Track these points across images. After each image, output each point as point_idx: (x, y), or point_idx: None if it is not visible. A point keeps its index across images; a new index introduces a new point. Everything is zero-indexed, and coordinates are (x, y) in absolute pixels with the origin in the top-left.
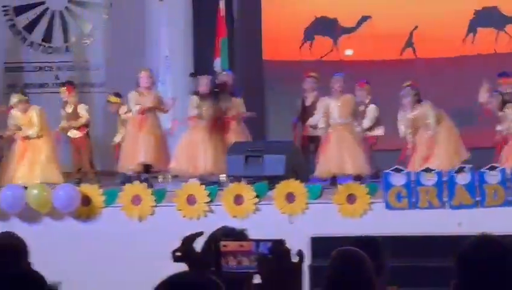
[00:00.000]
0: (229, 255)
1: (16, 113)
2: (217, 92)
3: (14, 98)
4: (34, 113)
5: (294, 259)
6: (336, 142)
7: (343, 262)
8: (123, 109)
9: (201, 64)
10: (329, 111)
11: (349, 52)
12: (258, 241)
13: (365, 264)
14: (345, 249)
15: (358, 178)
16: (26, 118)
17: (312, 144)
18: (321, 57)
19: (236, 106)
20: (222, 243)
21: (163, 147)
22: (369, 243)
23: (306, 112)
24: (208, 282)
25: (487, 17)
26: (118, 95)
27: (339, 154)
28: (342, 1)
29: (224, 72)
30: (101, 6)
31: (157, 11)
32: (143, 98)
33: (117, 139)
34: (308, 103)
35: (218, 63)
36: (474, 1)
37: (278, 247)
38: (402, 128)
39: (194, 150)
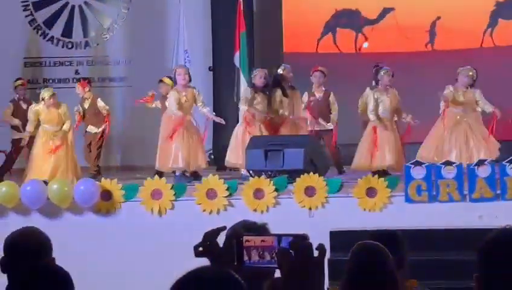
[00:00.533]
0: (251, 250)
1: (40, 108)
2: (274, 86)
3: (46, 92)
4: (65, 108)
5: (315, 254)
6: (384, 136)
7: (364, 256)
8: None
9: (221, 58)
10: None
11: (365, 45)
12: (280, 236)
13: (386, 257)
14: (365, 243)
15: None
16: (54, 112)
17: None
18: (358, 49)
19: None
20: (245, 237)
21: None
22: (388, 237)
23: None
24: (228, 278)
25: (509, 9)
26: (170, 78)
27: (387, 148)
28: None
29: (282, 66)
30: (120, 0)
31: (176, 5)
32: (181, 96)
33: None
34: (316, 97)
35: (237, 57)
36: None
37: (299, 242)
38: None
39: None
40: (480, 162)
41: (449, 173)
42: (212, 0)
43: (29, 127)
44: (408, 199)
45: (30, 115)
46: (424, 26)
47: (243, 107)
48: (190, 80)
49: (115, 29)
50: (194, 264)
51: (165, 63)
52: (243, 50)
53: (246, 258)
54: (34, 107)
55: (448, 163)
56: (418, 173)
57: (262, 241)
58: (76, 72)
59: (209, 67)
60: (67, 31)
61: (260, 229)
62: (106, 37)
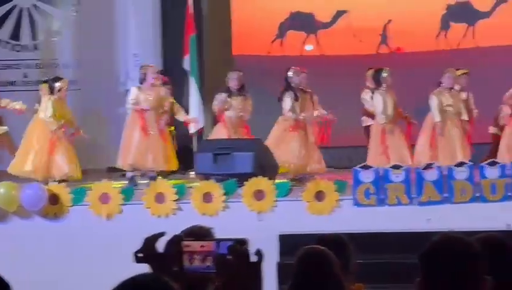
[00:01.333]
0: (192, 255)
1: (56, 101)
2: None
3: (63, 83)
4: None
5: (254, 259)
6: (396, 135)
7: (309, 260)
8: None
9: (170, 62)
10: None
11: (308, 47)
12: (218, 241)
13: (331, 262)
14: (311, 247)
15: None
16: (64, 107)
17: None
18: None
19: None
20: (184, 243)
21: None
22: (335, 241)
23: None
24: (162, 286)
25: (460, 13)
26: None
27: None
28: None
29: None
30: (69, 3)
31: (125, 8)
32: (146, 94)
33: None
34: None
35: (187, 60)
36: None
37: (237, 247)
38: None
39: None
40: (428, 166)
41: (397, 176)
42: (161, 3)
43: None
44: (356, 203)
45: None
46: (376, 29)
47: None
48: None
49: (64, 32)
50: (138, 270)
51: (114, 66)
52: (193, 53)
53: (186, 263)
54: (53, 100)
55: (396, 167)
56: (366, 176)
57: (202, 246)
58: (25, 76)
59: (159, 71)
60: (16, 34)
61: (206, 234)
62: (55, 40)
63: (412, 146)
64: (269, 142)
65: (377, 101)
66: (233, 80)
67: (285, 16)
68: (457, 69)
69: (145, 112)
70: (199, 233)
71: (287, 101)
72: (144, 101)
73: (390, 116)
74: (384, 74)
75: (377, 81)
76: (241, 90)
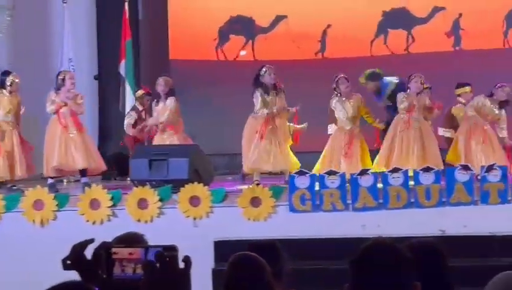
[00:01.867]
0: (121, 262)
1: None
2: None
3: (14, 76)
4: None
5: (182, 266)
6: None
7: (240, 267)
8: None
9: (106, 67)
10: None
11: (242, 52)
12: (147, 248)
13: (262, 269)
14: (242, 254)
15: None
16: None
17: None
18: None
19: None
20: (113, 249)
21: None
22: (267, 247)
23: None
24: None
25: (397, 19)
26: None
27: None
28: (257, 0)
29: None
30: (3, 8)
31: (60, 13)
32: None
33: None
34: None
35: (123, 66)
36: (384, 2)
37: (163, 254)
38: None
39: None
40: (363, 172)
41: (332, 182)
42: (97, 8)
43: None
44: (292, 209)
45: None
46: (315, 34)
47: None
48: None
49: None
50: (71, 277)
51: (50, 71)
52: (129, 59)
53: (115, 270)
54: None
55: (331, 172)
56: (302, 182)
57: (130, 253)
58: None
59: (95, 76)
60: None
61: (138, 241)
62: None
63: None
64: (243, 143)
65: (335, 107)
66: (160, 85)
67: (225, 20)
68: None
69: (64, 113)
70: (131, 240)
71: (258, 98)
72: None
73: (349, 122)
74: (341, 79)
75: (337, 88)
76: (169, 95)
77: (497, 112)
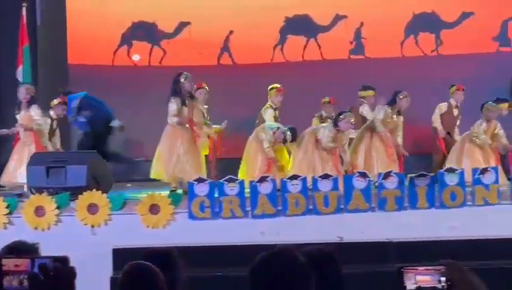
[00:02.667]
0: (8, 274)
1: None
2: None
3: None
4: None
5: (69, 277)
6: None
7: (133, 277)
8: None
9: (4, 73)
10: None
11: (135, 57)
12: (33, 259)
13: (155, 277)
14: (135, 263)
15: None
16: None
17: None
18: (149, 63)
19: None
20: (2, 261)
21: None
22: (163, 255)
23: None
24: None
25: (299, 26)
26: None
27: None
28: (160, 6)
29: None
30: None
31: None
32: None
33: None
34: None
35: (20, 72)
36: (288, 9)
37: (47, 266)
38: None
39: None
40: (263, 179)
41: (232, 189)
42: None
43: None
44: (191, 216)
45: None
46: (217, 41)
47: None
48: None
49: None
50: None
51: None
52: (26, 64)
53: (5, 283)
54: None
55: (230, 180)
56: (201, 190)
57: (16, 265)
58: None
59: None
60: None
61: (30, 250)
62: None
63: None
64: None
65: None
66: (21, 93)
67: (128, 25)
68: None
69: None
70: (22, 249)
71: (173, 106)
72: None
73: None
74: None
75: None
76: (31, 103)
77: (396, 119)
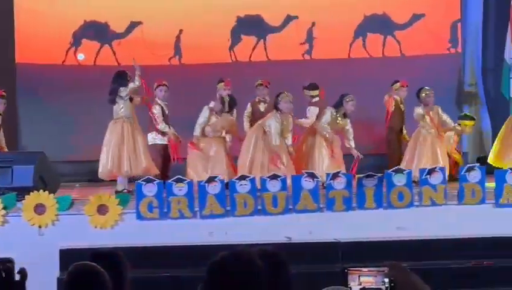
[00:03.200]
0: None
1: None
2: None
3: None
4: None
5: (18, 278)
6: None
7: (78, 277)
8: None
9: None
10: None
11: (80, 56)
12: None
13: (100, 278)
14: (79, 264)
15: None
16: None
17: None
18: (94, 62)
19: None
20: None
21: None
22: (109, 256)
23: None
24: None
25: (251, 26)
26: None
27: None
28: (111, 6)
29: None
30: None
31: None
32: None
33: None
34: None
35: None
36: (239, 9)
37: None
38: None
39: None
40: (211, 179)
41: (180, 190)
42: None
43: None
44: (139, 216)
45: None
46: (169, 41)
47: None
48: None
49: None
50: None
51: None
52: None
53: None
54: None
55: (179, 180)
56: (149, 190)
57: None
58: None
59: None
60: None
61: None
62: None
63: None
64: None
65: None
66: None
67: (79, 24)
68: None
69: None
70: None
71: (120, 103)
72: None
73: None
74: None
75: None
76: None
77: (341, 122)
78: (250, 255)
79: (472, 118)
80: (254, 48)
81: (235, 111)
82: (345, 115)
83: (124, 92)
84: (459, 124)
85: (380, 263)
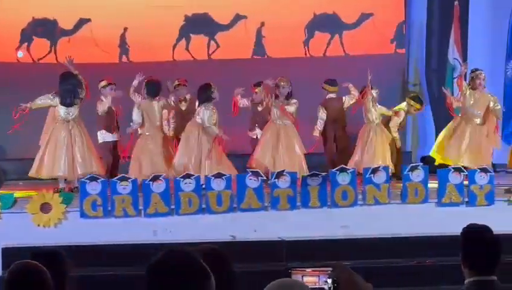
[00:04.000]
0: None
1: None
2: None
3: None
4: None
5: None
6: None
7: (19, 276)
8: None
9: None
10: None
11: (19, 54)
12: None
13: (42, 276)
14: (20, 263)
15: None
16: None
17: None
18: (38, 60)
19: None
20: None
21: None
22: (51, 255)
23: None
24: None
25: (199, 25)
26: None
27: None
28: (60, 2)
29: None
30: None
31: None
32: None
33: None
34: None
35: None
36: (186, 7)
37: None
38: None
39: None
40: (156, 178)
41: (124, 188)
42: None
43: None
44: (83, 215)
45: None
46: (116, 38)
47: None
48: None
49: None
50: None
51: None
52: None
53: None
54: None
55: (123, 178)
56: (93, 188)
57: None
58: None
59: None
60: None
61: None
62: None
63: None
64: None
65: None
66: None
67: (28, 21)
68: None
69: None
70: None
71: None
72: None
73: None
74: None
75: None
76: None
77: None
78: (190, 253)
79: (421, 102)
80: (208, 46)
81: None
82: None
83: (82, 93)
84: (407, 103)
85: (324, 261)
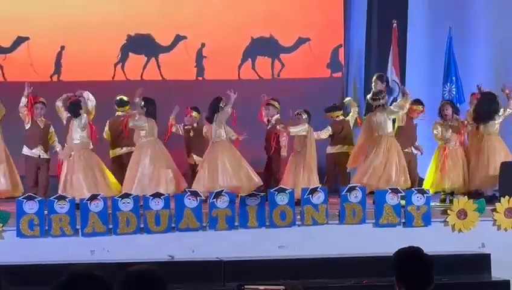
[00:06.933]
0: None
1: None
2: None
3: None
4: None
5: None
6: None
7: None
8: None
9: None
10: None
11: None
12: None
13: None
14: None
15: None
16: None
17: None
18: None
19: None
20: None
21: None
22: None
23: None
24: None
25: (139, 45)
26: None
27: None
28: None
29: None
30: None
31: None
32: None
33: None
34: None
35: None
36: (129, 27)
37: None
38: None
39: None
40: (93, 198)
41: (62, 207)
42: None
43: None
44: (20, 234)
45: None
46: (53, 57)
47: None
48: None
49: None
50: None
51: None
52: None
53: None
54: None
55: (61, 197)
56: (30, 207)
57: None
58: None
59: None
60: None
61: None
62: None
63: None
64: None
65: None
66: None
67: None
68: None
69: None
70: None
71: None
72: None
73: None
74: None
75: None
76: None
77: None
78: (95, 274)
79: (422, 104)
80: (145, 66)
81: None
82: None
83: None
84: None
85: (263, 281)
